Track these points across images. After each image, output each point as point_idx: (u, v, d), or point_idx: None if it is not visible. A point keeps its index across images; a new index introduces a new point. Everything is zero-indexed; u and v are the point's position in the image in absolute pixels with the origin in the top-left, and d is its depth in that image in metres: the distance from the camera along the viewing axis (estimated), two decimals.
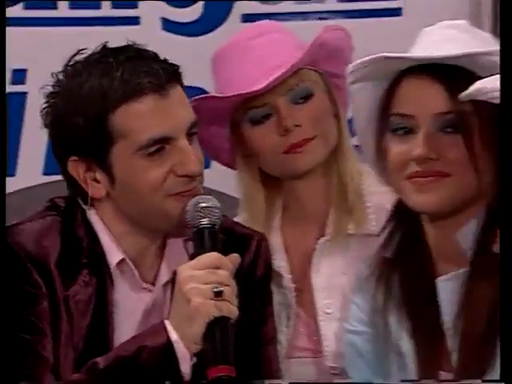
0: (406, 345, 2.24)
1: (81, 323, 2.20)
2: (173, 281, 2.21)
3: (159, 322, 2.12)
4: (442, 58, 2.13)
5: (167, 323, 2.09)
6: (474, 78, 2.08)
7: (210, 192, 2.26)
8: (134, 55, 2.20)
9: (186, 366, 2.08)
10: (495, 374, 1.99)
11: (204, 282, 2.06)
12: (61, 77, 2.24)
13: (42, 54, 3.20)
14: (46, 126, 2.26)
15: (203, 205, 2.15)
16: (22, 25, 3.25)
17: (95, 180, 2.21)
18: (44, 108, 2.25)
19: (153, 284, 2.26)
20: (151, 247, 2.27)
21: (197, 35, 3.26)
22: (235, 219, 2.59)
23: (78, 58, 2.25)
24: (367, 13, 3.30)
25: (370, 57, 2.19)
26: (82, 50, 2.25)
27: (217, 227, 2.14)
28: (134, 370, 2.09)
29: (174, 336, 2.07)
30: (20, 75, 3.27)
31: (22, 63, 3.26)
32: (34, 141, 3.24)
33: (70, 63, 2.24)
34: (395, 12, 3.30)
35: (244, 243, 2.28)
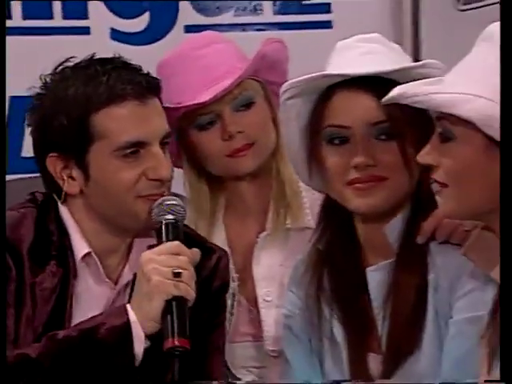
0: (338, 329, 2.25)
1: (43, 310, 2.18)
2: (133, 282, 2.19)
3: (121, 304, 2.12)
4: (378, 73, 2.14)
5: (128, 306, 2.09)
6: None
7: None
8: (121, 66, 2.21)
9: (139, 348, 2.08)
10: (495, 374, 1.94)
11: (165, 264, 2.07)
12: (48, 80, 2.23)
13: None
14: (29, 123, 2.26)
15: (168, 202, 2.16)
16: None
17: (71, 177, 2.20)
18: (30, 107, 2.25)
19: (115, 283, 2.25)
20: (118, 247, 2.26)
21: (143, 44, 3.26)
22: None
23: (66, 64, 2.24)
24: (300, 25, 3.31)
25: (310, 75, 2.19)
26: (71, 57, 2.25)
27: (180, 224, 2.16)
28: (90, 344, 2.08)
29: (132, 317, 2.07)
30: None
31: None
32: None
33: (59, 68, 2.24)
34: (326, 25, 3.31)
35: (206, 256, 2.25)
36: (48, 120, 2.20)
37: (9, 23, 3.19)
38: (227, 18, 3.33)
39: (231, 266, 2.55)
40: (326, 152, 2.21)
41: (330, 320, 2.27)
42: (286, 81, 2.52)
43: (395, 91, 1.96)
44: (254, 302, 2.59)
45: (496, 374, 1.93)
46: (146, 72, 2.23)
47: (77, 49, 3.02)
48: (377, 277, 2.22)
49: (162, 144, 2.21)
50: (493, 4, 2.80)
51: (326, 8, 3.32)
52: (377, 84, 2.14)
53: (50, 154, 2.20)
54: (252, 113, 2.59)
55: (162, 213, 2.15)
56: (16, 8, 3.25)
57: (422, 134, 2.03)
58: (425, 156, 1.93)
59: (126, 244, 2.26)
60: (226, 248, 2.57)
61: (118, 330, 2.08)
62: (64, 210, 2.24)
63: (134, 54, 2.85)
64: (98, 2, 3.28)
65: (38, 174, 2.32)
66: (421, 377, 2.15)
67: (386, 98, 1.99)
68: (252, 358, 2.58)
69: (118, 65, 2.21)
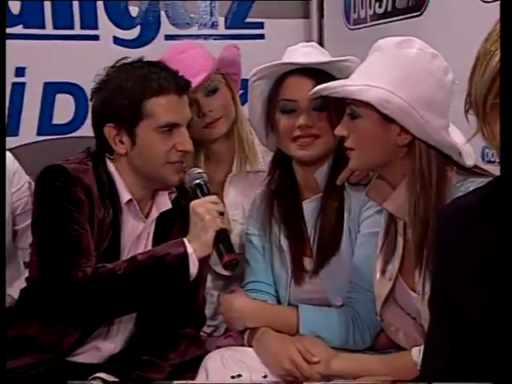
0: (284, 241, 2.26)
1: (105, 238, 2.14)
2: (157, 217, 2.21)
3: (179, 239, 2.09)
4: (318, 63, 2.15)
5: (185, 240, 2.08)
6: (331, 77, 2.12)
7: None
8: (164, 68, 2.17)
9: (194, 269, 2.07)
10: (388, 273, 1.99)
11: (212, 208, 2.08)
12: (110, 71, 2.18)
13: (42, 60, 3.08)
14: (95, 101, 2.20)
15: (196, 171, 2.18)
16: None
17: (121, 141, 2.15)
18: (95, 90, 2.19)
19: (146, 217, 2.21)
20: (148, 195, 2.22)
21: (136, 48, 3.16)
22: None
23: (123, 61, 2.20)
24: (242, 36, 3.26)
25: (271, 63, 2.18)
26: (125, 57, 2.22)
27: (207, 183, 2.17)
28: (161, 267, 2.06)
29: (189, 248, 2.06)
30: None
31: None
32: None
33: (119, 63, 2.20)
34: (260, 37, 3.30)
35: None
36: (109, 100, 2.15)
37: (43, 31, 3.16)
38: (193, 30, 3.27)
39: None
40: (279, 118, 2.20)
41: (278, 235, 2.27)
42: (239, 72, 2.58)
43: (319, 87, 1.96)
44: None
45: (388, 275, 1.99)
46: (180, 74, 2.19)
47: (89, 50, 3.10)
48: (310, 206, 2.23)
49: (187, 126, 2.18)
50: (376, 25, 2.80)
51: (260, 25, 3.31)
52: (315, 72, 2.14)
53: (108, 124, 2.15)
54: (217, 97, 2.55)
55: (194, 177, 2.16)
56: (48, 19, 3.15)
57: (340, 111, 2.02)
58: (339, 130, 1.94)
59: (152, 193, 2.23)
60: None
61: (180, 257, 2.06)
62: (111, 166, 2.19)
63: (129, 55, 2.83)
64: (105, 16, 3.20)
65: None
66: (339, 271, 2.17)
67: (314, 90, 1.99)
68: None
69: (162, 67, 2.17)
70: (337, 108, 2.09)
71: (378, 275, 2.03)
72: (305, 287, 2.23)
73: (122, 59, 2.21)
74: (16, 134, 3.14)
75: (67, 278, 2.01)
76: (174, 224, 2.15)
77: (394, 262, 1.99)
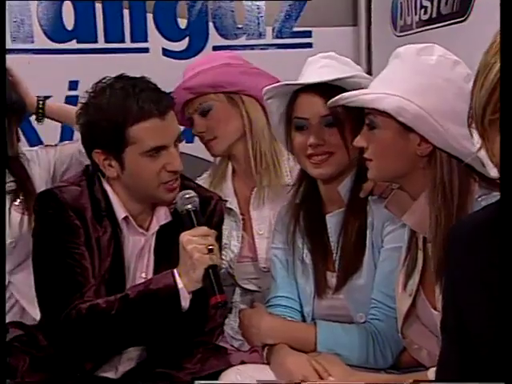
0: (307, 255, 2.23)
1: (106, 256, 2.14)
2: (158, 230, 2.19)
3: (169, 271, 2.07)
4: (323, 82, 2.10)
5: (175, 273, 2.05)
6: (344, 91, 2.03)
7: (194, 157, 2.24)
8: (145, 87, 2.11)
9: (185, 304, 2.05)
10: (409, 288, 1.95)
11: (200, 243, 2.03)
12: (91, 94, 2.15)
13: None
14: (79, 125, 2.18)
15: (187, 196, 2.12)
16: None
17: (110, 165, 2.13)
18: (78, 113, 2.17)
19: (147, 230, 2.20)
20: (145, 209, 2.20)
21: (185, 59, 3.18)
22: (202, 176, 2.62)
23: (103, 82, 2.15)
24: (290, 45, 3.27)
25: (276, 84, 2.18)
26: (105, 77, 2.17)
27: (198, 209, 2.11)
28: (153, 303, 2.05)
29: (179, 284, 2.04)
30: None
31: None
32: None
33: (99, 85, 2.15)
34: (308, 45, 3.27)
35: (207, 201, 2.23)
36: (92, 125, 2.12)
37: (95, 45, 3.23)
38: (241, 40, 3.27)
39: (237, 210, 2.55)
40: (294, 135, 2.17)
41: (302, 248, 2.24)
42: (248, 88, 2.50)
43: (337, 97, 1.93)
44: (251, 234, 2.55)
45: (409, 290, 1.94)
46: (163, 92, 2.14)
47: (140, 63, 3.12)
48: (333, 220, 2.19)
49: (175, 144, 2.14)
50: (422, 31, 2.74)
51: (308, 34, 3.28)
52: (327, 88, 2.09)
53: (95, 150, 2.13)
54: (210, 118, 2.50)
55: (184, 203, 2.11)
56: (100, 34, 3.22)
57: (354, 125, 2.01)
58: (358, 141, 1.90)
59: (151, 206, 2.21)
60: (234, 198, 2.56)
61: (171, 292, 2.04)
62: (107, 185, 2.17)
63: (179, 66, 2.85)
64: (155, 29, 3.24)
65: None
66: (361, 288, 2.13)
67: (331, 101, 1.96)
68: (251, 272, 2.55)
69: (143, 87, 2.11)
70: (349, 123, 2.07)
71: (399, 290, 1.98)
72: (328, 302, 2.19)
73: (101, 80, 2.16)
74: None
75: (61, 318, 2.03)
76: (175, 236, 2.11)
77: (415, 277, 1.94)
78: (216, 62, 2.56)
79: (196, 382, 2.03)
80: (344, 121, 2.09)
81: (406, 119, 1.79)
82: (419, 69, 1.82)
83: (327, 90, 2.08)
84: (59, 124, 2.96)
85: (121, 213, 2.15)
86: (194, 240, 2.03)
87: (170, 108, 2.12)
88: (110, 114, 2.07)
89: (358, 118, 1.95)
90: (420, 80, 1.80)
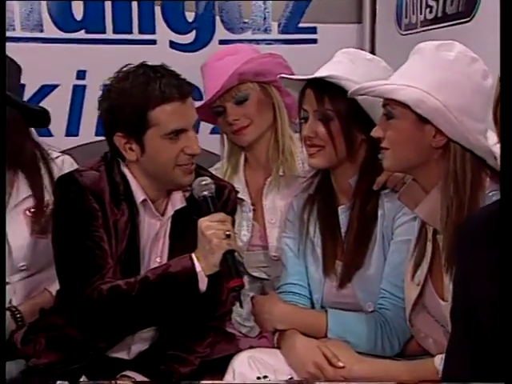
0: (318, 243, 2.25)
1: (123, 238, 2.15)
2: (173, 215, 2.21)
3: (187, 255, 2.09)
4: (312, 79, 2.14)
5: (194, 257, 2.08)
6: (339, 89, 2.09)
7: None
8: (166, 73, 2.14)
9: (203, 286, 2.07)
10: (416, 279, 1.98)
11: (218, 229, 2.05)
12: (114, 80, 2.17)
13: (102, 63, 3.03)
14: (102, 110, 2.18)
15: (203, 182, 2.14)
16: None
17: (131, 149, 2.15)
18: (100, 99, 2.19)
19: (162, 215, 2.21)
20: (162, 194, 2.21)
21: (191, 52, 3.22)
22: (215, 167, 2.62)
23: (126, 69, 2.17)
24: (295, 41, 3.29)
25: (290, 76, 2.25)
26: (128, 64, 2.18)
27: (214, 195, 2.14)
28: (172, 285, 2.08)
29: (197, 267, 2.07)
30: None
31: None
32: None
33: (122, 71, 2.17)
34: (313, 41, 3.30)
35: (221, 190, 2.24)
36: (115, 110, 2.13)
37: (103, 36, 3.24)
38: (247, 35, 3.29)
39: (248, 200, 2.58)
40: (301, 125, 2.23)
41: (313, 238, 2.26)
42: (275, 80, 2.49)
43: (357, 86, 1.97)
44: (263, 224, 2.57)
45: (416, 280, 1.98)
46: (183, 78, 2.17)
47: (147, 54, 3.02)
48: (344, 212, 2.22)
49: (193, 128, 2.18)
50: (426, 30, 2.78)
51: (313, 30, 3.30)
52: (321, 87, 2.13)
53: (117, 134, 2.14)
54: (246, 106, 2.54)
55: (202, 189, 2.13)
56: (108, 24, 3.22)
57: (344, 122, 2.09)
58: (375, 132, 1.94)
59: (166, 192, 2.22)
60: (245, 188, 2.59)
61: (189, 275, 2.07)
62: (125, 169, 2.19)
63: (185, 59, 2.85)
64: (162, 21, 3.25)
65: None
66: (370, 278, 2.16)
67: (351, 90, 1.99)
68: (261, 261, 2.57)
69: (164, 72, 2.14)
70: (338, 121, 2.12)
71: (408, 280, 2.02)
72: (337, 291, 2.22)
73: (123, 67, 2.18)
74: (76, 135, 3.24)
75: (83, 298, 2.06)
76: (189, 221, 2.14)
77: (423, 267, 1.97)
78: (254, 52, 2.65)
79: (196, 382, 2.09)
80: (332, 118, 2.14)
81: (424, 111, 1.83)
82: (438, 64, 1.86)
83: (321, 87, 2.13)
84: (65, 115, 2.98)
85: (139, 196, 2.17)
86: (212, 226, 2.06)
87: (189, 93, 2.15)
88: (133, 98, 2.10)
89: (349, 117, 2.03)
90: (439, 74, 1.85)
